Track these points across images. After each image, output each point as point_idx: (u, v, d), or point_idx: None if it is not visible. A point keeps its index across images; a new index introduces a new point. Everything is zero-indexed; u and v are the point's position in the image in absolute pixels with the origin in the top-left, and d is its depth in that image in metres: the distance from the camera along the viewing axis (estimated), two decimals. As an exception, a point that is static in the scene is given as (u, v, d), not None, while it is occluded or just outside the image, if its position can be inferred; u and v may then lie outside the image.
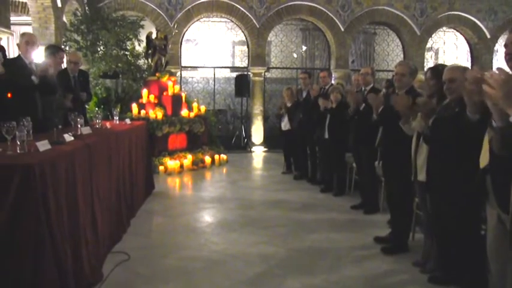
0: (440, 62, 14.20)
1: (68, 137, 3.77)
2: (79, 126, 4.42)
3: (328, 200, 6.45)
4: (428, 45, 13.56)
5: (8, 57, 5.22)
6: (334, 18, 12.42)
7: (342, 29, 12.50)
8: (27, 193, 2.54)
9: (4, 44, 6.75)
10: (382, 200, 5.66)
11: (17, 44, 4.99)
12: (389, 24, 13.13)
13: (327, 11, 12.35)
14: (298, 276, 3.77)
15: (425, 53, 13.43)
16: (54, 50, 5.33)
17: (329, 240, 4.71)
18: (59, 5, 9.25)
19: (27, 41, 4.88)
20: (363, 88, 6.07)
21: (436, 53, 14.78)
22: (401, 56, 13.37)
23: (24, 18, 10.43)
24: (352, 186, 6.66)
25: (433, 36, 13.41)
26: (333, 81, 8.21)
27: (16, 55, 5.03)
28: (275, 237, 4.76)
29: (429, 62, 13.77)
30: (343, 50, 12.68)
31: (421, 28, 12.86)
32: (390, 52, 13.82)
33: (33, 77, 4.74)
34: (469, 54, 13.79)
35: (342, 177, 6.70)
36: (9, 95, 4.32)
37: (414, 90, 4.30)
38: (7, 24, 7.64)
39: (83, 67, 7.09)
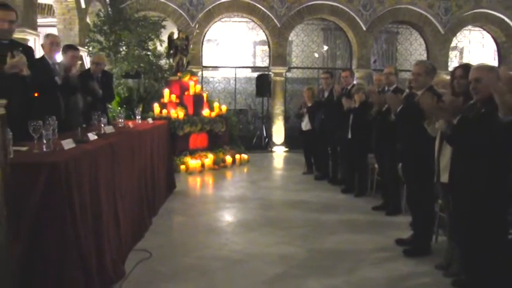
0: (465, 61, 13.94)
1: (92, 136, 3.82)
2: (102, 125, 4.48)
3: (349, 201, 6.41)
4: (453, 44, 13.34)
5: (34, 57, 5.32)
6: (356, 18, 12.33)
7: (364, 29, 12.40)
8: (53, 191, 2.58)
9: (31, 45, 6.88)
10: (404, 202, 5.59)
11: (41, 45, 5.08)
12: (412, 23, 12.97)
13: (348, 10, 12.27)
14: (318, 277, 3.75)
15: (450, 53, 13.22)
16: (69, 49, 5.40)
17: (350, 241, 4.68)
18: (83, 6, 9.40)
19: (52, 42, 4.97)
20: (386, 88, 6.00)
21: (461, 52, 14.50)
22: (425, 55, 13.19)
23: (49, 20, 10.63)
24: (374, 187, 6.60)
25: (457, 35, 13.19)
26: (354, 82, 8.15)
27: (40, 56, 5.12)
28: (295, 238, 4.74)
29: (453, 62, 13.53)
30: (365, 50, 12.58)
31: (445, 27, 12.67)
32: (413, 51, 13.64)
33: (56, 78, 4.82)
34: (496, 53, 13.52)
35: (364, 177, 6.64)
36: (36, 94, 4.39)
37: (434, 90, 4.23)
38: (34, 26, 7.79)
39: (106, 67, 7.18)
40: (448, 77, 4.29)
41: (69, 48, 5.40)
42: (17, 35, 4.91)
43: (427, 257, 4.15)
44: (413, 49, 13.63)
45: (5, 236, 2.11)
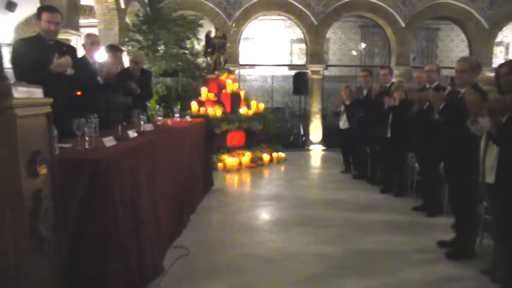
0: (511, 57, 13.45)
1: (132, 134, 3.89)
2: (142, 123, 4.55)
3: (388, 201, 6.28)
4: (498, 39, 12.86)
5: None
6: (395, 14, 12.07)
7: (403, 25, 12.14)
8: (96, 186, 2.63)
9: (73, 45, 7.07)
10: (445, 202, 5.44)
11: (82, 45, 5.20)
12: (454, 18, 12.59)
13: (387, 7, 12.03)
14: (356, 277, 3.68)
15: (494, 48, 12.75)
16: (114, 49, 5.51)
17: (389, 242, 4.58)
18: (122, 6, 9.59)
19: (92, 42, 5.09)
20: (427, 86, 5.85)
21: (507, 48, 14.00)
22: (467, 51, 12.79)
23: (90, 20, 10.90)
24: (413, 187, 6.44)
25: (503, 29, 12.69)
26: (393, 79, 7.99)
27: (81, 55, 5.24)
28: (333, 237, 4.68)
29: (498, 58, 13.07)
30: (404, 47, 12.31)
31: (489, 21, 12.20)
32: (454, 48, 13.29)
33: (99, 78, 4.93)
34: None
35: (403, 177, 6.50)
36: (78, 93, 4.51)
37: (478, 87, 4.08)
38: (76, 27, 8.02)
39: (144, 66, 7.30)
40: (492, 74, 4.14)
41: (113, 49, 5.51)
42: (60, 36, 5.07)
43: (471, 260, 4.00)
44: (455, 45, 13.28)
45: (53, 230, 2.16)
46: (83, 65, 4.88)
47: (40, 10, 4.20)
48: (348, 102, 7.90)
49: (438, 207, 5.51)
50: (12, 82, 1.90)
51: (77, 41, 7.86)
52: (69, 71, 4.03)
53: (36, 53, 3.94)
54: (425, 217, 5.44)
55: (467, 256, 4.07)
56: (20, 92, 1.90)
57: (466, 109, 3.71)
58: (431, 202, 5.58)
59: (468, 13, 12.19)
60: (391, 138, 6.42)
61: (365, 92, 7.65)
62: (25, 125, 1.90)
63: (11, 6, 8.63)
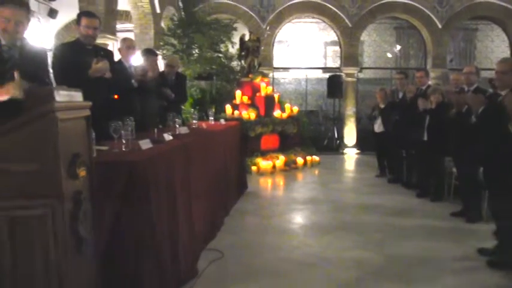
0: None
1: (167, 137, 3.92)
2: (177, 126, 4.59)
3: (425, 206, 6.13)
4: (543, 39, 12.41)
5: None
6: (431, 15, 11.81)
7: (440, 26, 11.85)
8: (132, 188, 2.66)
9: (110, 49, 7.22)
10: (485, 208, 5.26)
11: (118, 49, 5.29)
12: (494, 18, 12.20)
13: (422, 8, 11.78)
14: (394, 284, 3.60)
15: (538, 49, 12.31)
16: (149, 54, 5.59)
17: (427, 248, 4.45)
18: (158, 11, 9.74)
19: (128, 46, 5.15)
20: (466, 88, 5.69)
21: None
22: (508, 52, 12.38)
23: (126, 25, 11.12)
24: (451, 192, 6.27)
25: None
26: (429, 82, 7.82)
27: (118, 59, 5.33)
28: (370, 243, 4.59)
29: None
30: (441, 48, 12.01)
31: (533, 20, 11.78)
32: (494, 49, 12.88)
33: (133, 81, 5.01)
34: None
35: (441, 182, 6.33)
36: (115, 96, 4.59)
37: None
38: (113, 32, 8.19)
39: (179, 69, 7.38)
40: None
41: (148, 53, 5.59)
42: (98, 40, 5.18)
43: (514, 269, 3.86)
44: (495, 46, 12.87)
45: (91, 231, 2.20)
46: (118, 69, 4.97)
47: (79, 16, 4.30)
48: (383, 106, 7.78)
49: (478, 213, 5.34)
50: (54, 86, 1.95)
51: (113, 46, 8.04)
52: (107, 75, 4.11)
53: (76, 58, 4.02)
54: (465, 223, 5.26)
55: (510, 265, 3.91)
56: (62, 96, 1.94)
57: (506, 113, 3.58)
58: (471, 208, 5.41)
59: (510, 12, 11.79)
60: (427, 141, 6.27)
61: (400, 95, 7.52)
62: (66, 127, 1.94)
63: (52, 13, 8.92)
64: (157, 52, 8.86)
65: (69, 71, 3.87)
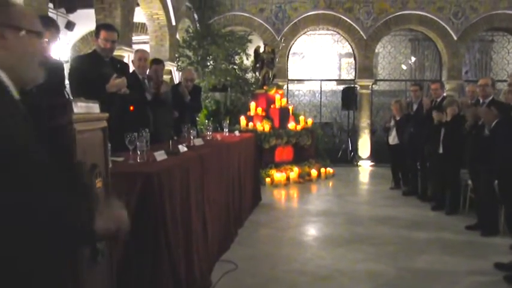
0: None
1: (182, 148, 3.96)
2: (192, 137, 4.62)
3: (440, 219, 6.07)
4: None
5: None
6: (446, 27, 11.75)
7: (455, 38, 11.78)
8: (147, 200, 2.69)
9: (126, 61, 7.31)
10: (502, 222, 5.19)
11: (132, 61, 5.34)
12: (510, 29, 12.10)
13: (438, 20, 11.73)
14: (409, 298, 3.57)
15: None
16: (153, 62, 5.61)
17: (443, 262, 4.40)
18: (173, 23, 9.86)
19: (140, 58, 5.17)
20: (481, 100, 5.65)
21: None
22: (525, 64, 12.26)
23: (142, 37, 11.27)
24: (466, 205, 6.19)
25: None
26: (444, 94, 7.77)
27: (132, 71, 5.38)
28: (384, 255, 4.56)
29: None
30: (456, 60, 11.92)
31: (550, 32, 11.65)
32: (510, 60, 12.74)
33: (146, 94, 5.05)
34: None
35: (456, 195, 6.26)
36: (131, 107, 4.64)
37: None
38: (129, 44, 8.30)
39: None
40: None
41: (152, 61, 5.62)
42: (115, 52, 5.23)
43: (532, 284, 3.80)
44: (511, 58, 12.73)
45: (106, 242, 2.22)
46: (131, 81, 5.03)
47: (98, 28, 4.34)
48: (398, 118, 7.74)
49: (494, 227, 5.26)
50: (72, 98, 1.98)
51: (129, 58, 8.15)
52: (123, 91, 4.14)
53: (92, 69, 4.06)
54: (481, 237, 5.20)
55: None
56: (79, 108, 1.98)
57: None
58: (487, 221, 5.33)
59: (527, 24, 11.70)
60: (443, 154, 6.22)
61: (415, 107, 7.47)
62: (83, 139, 1.97)
63: (70, 26, 9.12)
64: (170, 63, 8.95)
65: (86, 82, 3.91)
